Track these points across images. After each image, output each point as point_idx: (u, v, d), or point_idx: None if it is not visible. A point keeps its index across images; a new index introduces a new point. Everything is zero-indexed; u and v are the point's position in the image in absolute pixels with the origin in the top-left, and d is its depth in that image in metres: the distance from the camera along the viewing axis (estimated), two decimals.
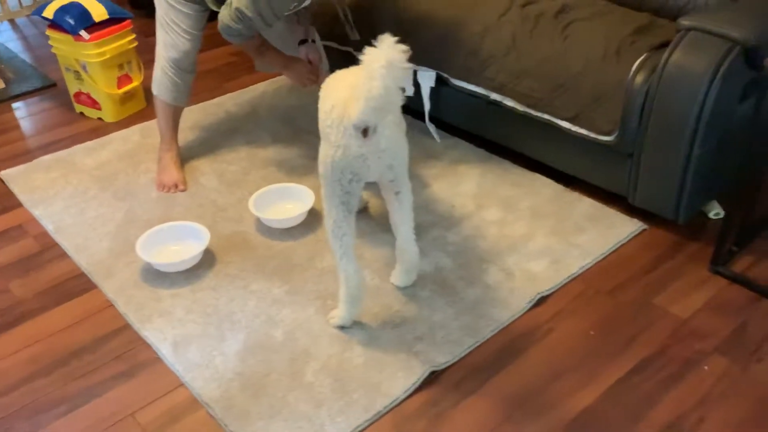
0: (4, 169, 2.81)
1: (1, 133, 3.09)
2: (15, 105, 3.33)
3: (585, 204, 2.49)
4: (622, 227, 2.37)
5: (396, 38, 1.60)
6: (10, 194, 2.66)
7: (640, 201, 2.34)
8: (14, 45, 3.91)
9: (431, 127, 2.89)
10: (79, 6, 2.96)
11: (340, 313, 1.99)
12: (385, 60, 1.55)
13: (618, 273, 2.20)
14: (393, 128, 1.80)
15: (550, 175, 2.62)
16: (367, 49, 1.59)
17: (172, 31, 2.57)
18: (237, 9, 2.30)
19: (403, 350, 1.93)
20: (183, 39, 2.57)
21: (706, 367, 1.88)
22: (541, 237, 2.34)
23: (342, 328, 2.01)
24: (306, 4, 2.53)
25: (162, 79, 2.64)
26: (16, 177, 2.75)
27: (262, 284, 2.18)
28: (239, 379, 1.87)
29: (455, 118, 2.85)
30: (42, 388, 1.88)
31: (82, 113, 3.22)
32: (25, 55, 3.79)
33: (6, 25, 4.21)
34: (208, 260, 2.28)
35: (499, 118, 2.64)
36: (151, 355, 1.97)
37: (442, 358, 1.91)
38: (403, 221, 1.99)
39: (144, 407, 1.82)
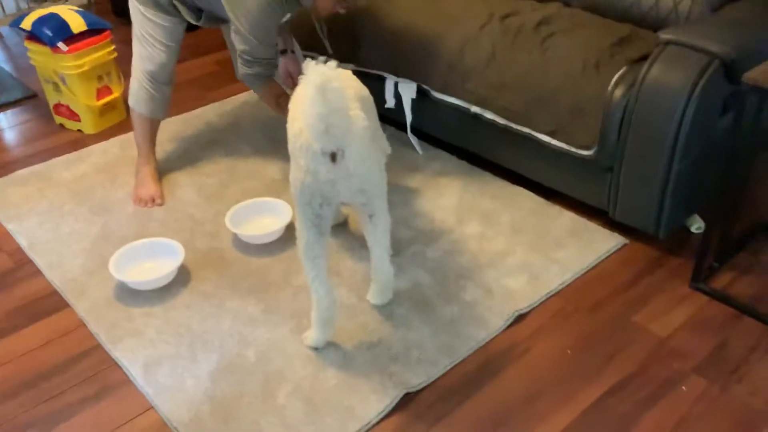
0: None
1: None
2: None
3: (566, 218, 2.46)
4: (603, 242, 2.35)
5: (324, 58, 1.56)
6: None
7: (620, 216, 2.32)
8: None
9: (413, 139, 2.86)
10: (58, 17, 2.93)
11: (312, 335, 1.95)
12: (312, 86, 1.52)
13: (598, 289, 2.17)
14: (363, 152, 1.75)
15: (532, 188, 2.60)
16: (301, 77, 1.56)
17: (148, 44, 2.54)
18: (240, 52, 2.32)
19: (377, 371, 1.90)
20: (159, 51, 2.55)
21: (684, 388, 1.85)
22: (520, 252, 2.31)
23: (316, 349, 1.97)
24: (287, 18, 2.52)
25: (138, 91, 2.61)
26: None
27: (237, 302, 2.15)
28: (210, 402, 1.83)
29: (437, 130, 2.82)
30: (9, 412, 1.84)
31: (61, 125, 3.18)
32: (7, 65, 3.76)
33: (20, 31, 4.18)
34: (183, 277, 2.25)
35: (480, 131, 2.61)
36: (122, 376, 1.94)
37: (416, 380, 1.88)
38: (377, 243, 1.95)
39: (113, 431, 1.79)
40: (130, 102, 2.65)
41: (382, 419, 1.79)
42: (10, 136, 3.13)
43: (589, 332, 2.03)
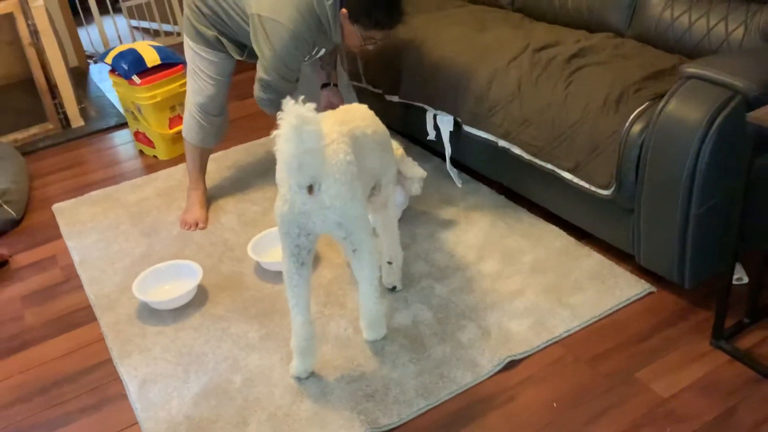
0: (58, 202, 3.06)
1: (68, 168, 3.38)
2: (89, 141, 3.63)
3: (593, 260, 2.31)
4: (626, 289, 2.18)
5: (302, 98, 1.58)
6: (55, 226, 2.90)
7: (645, 261, 2.15)
8: (106, 84, 4.27)
9: (452, 172, 2.82)
10: (135, 52, 3.19)
11: (293, 364, 1.98)
12: (288, 127, 1.55)
13: (606, 340, 2.03)
14: (339, 187, 1.76)
15: (565, 227, 2.47)
16: (280, 114, 1.59)
17: (198, 78, 2.70)
18: (259, 79, 2.42)
19: (350, 408, 1.88)
20: (208, 84, 2.70)
21: None
22: (532, 294, 2.20)
23: (299, 378, 1.99)
24: (321, 54, 2.58)
25: (189, 122, 2.78)
26: (65, 210, 2.99)
27: (241, 327, 2.22)
28: (187, 423, 1.90)
29: (475, 163, 2.76)
30: (19, 414, 2.02)
31: (141, 151, 3.45)
32: (112, 95, 4.13)
33: (106, 65, 4.60)
34: (200, 299, 2.35)
35: (511, 165, 2.53)
36: (121, 390, 2.06)
37: (386, 420, 1.84)
38: (362, 279, 1.95)
39: None
40: (183, 132, 2.82)
41: None
42: (97, 160, 3.44)
43: (584, 385, 1.89)
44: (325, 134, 1.76)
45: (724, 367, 1.90)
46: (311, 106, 1.58)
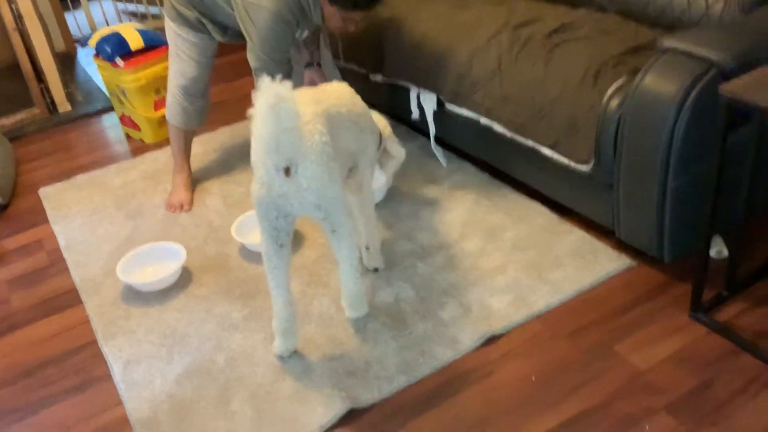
0: (45, 186, 3.06)
1: (55, 153, 3.38)
2: (76, 126, 3.62)
3: (574, 237, 2.32)
4: (606, 264, 2.20)
5: (278, 76, 1.58)
6: (41, 211, 2.90)
7: (625, 236, 2.16)
8: (93, 69, 4.25)
9: (437, 151, 2.82)
10: (118, 35, 3.18)
11: (275, 344, 1.99)
12: (265, 105, 1.54)
13: (586, 314, 2.04)
14: (316, 168, 1.76)
15: (549, 204, 2.48)
16: (255, 94, 1.59)
17: (180, 59, 2.69)
18: (254, 69, 2.40)
19: (331, 385, 1.90)
20: (190, 66, 2.69)
21: (647, 427, 1.69)
22: (513, 271, 2.21)
23: (281, 357, 2.01)
24: (304, 35, 2.58)
25: (172, 104, 2.78)
26: (51, 194, 2.99)
27: (224, 308, 2.23)
28: (170, 402, 1.92)
29: (460, 141, 2.76)
30: (4, 396, 2.03)
31: (127, 134, 3.44)
32: (99, 79, 4.11)
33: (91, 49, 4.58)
34: (184, 281, 2.36)
35: (494, 143, 2.53)
36: (105, 371, 2.07)
37: (366, 396, 1.86)
38: (342, 259, 1.95)
39: (81, 422, 1.92)
40: (166, 114, 2.82)
41: None
42: (84, 144, 3.43)
43: (562, 359, 1.91)
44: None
45: (702, 339, 1.91)
46: (287, 84, 1.57)
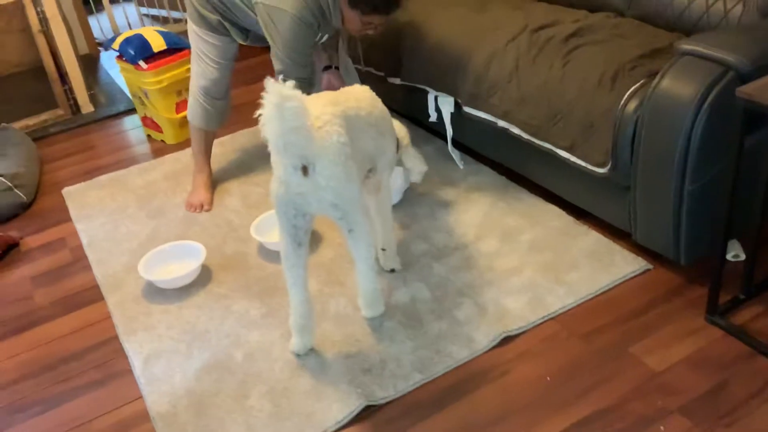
0: (68, 186, 3.12)
1: (78, 153, 3.43)
2: (98, 127, 3.68)
3: (591, 239, 2.33)
4: (623, 266, 2.20)
5: (281, 77, 1.61)
6: (64, 209, 2.96)
7: (641, 239, 2.16)
8: (115, 71, 4.32)
9: (454, 153, 2.84)
10: (141, 37, 3.23)
11: (292, 341, 2.02)
12: (269, 106, 1.58)
13: (602, 315, 2.05)
14: (333, 167, 1.79)
15: (564, 207, 2.49)
16: (263, 95, 1.62)
17: (202, 61, 2.73)
18: (277, 72, 2.44)
19: (347, 381, 1.92)
20: (211, 68, 2.73)
21: (662, 428, 1.70)
22: (529, 272, 2.22)
23: (298, 354, 2.03)
24: (326, 38, 2.61)
25: (194, 105, 2.82)
26: (74, 193, 3.05)
27: (243, 305, 2.26)
28: (189, 397, 1.95)
29: (477, 144, 2.78)
30: (27, 389, 2.08)
31: (149, 136, 3.50)
32: (121, 81, 4.17)
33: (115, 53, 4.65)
34: (204, 278, 2.40)
35: (511, 146, 2.55)
36: (126, 366, 2.11)
37: (382, 393, 1.88)
38: (358, 258, 1.98)
39: (102, 415, 1.96)
40: (188, 115, 2.86)
41: (339, 429, 1.81)
42: (106, 145, 3.49)
43: (577, 360, 1.92)
44: (317, 115, 1.79)
45: (718, 342, 1.91)
46: (291, 83, 1.60)
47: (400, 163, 2.37)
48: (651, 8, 2.51)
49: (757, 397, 1.74)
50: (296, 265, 1.92)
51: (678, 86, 1.89)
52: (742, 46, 1.86)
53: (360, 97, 2.05)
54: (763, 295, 2.03)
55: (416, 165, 2.37)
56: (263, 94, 1.60)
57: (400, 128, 2.31)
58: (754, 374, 1.80)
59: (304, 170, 1.76)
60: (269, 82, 1.59)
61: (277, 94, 1.58)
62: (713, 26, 2.32)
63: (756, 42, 1.89)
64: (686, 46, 1.95)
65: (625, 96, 2.06)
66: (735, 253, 2.18)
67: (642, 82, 2.07)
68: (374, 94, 2.13)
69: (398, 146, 2.26)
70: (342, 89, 2.11)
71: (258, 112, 1.61)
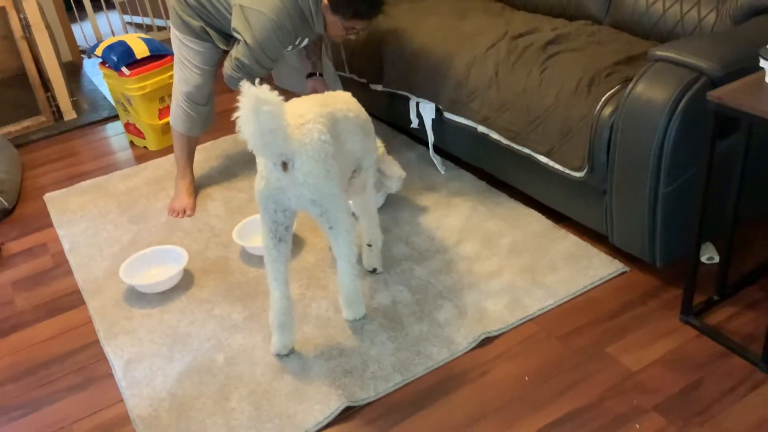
0: (50, 191, 3.11)
1: (60, 159, 3.43)
2: (81, 133, 3.68)
3: (569, 242, 2.37)
4: (600, 269, 2.24)
5: (257, 80, 1.65)
6: (46, 215, 2.95)
7: (618, 242, 2.20)
8: (98, 78, 4.32)
9: (435, 159, 2.87)
10: (124, 44, 3.24)
11: (273, 341, 2.03)
12: (245, 108, 1.61)
13: (579, 317, 2.08)
14: (313, 164, 1.82)
15: (544, 211, 2.52)
16: (238, 96, 1.65)
17: (185, 67, 2.75)
18: (236, 59, 2.46)
19: (328, 383, 1.94)
20: (194, 74, 2.75)
21: (637, 426, 1.73)
22: (509, 275, 2.25)
23: (279, 355, 2.05)
24: (305, 44, 2.64)
25: (177, 111, 2.83)
26: (56, 199, 3.04)
27: (225, 309, 2.27)
28: (170, 400, 1.96)
29: (458, 149, 2.81)
30: (8, 393, 2.07)
31: (132, 142, 3.50)
32: (104, 88, 4.18)
33: (97, 60, 4.65)
34: (186, 283, 2.41)
35: (491, 151, 2.58)
36: (107, 370, 2.11)
37: (363, 394, 1.90)
38: (339, 256, 2.00)
39: (83, 419, 1.96)
40: (170, 121, 2.87)
41: (320, 430, 1.82)
42: (88, 151, 3.49)
43: (555, 360, 1.95)
44: (301, 113, 1.84)
45: (692, 342, 1.95)
46: (266, 87, 1.63)
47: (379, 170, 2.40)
48: (627, 16, 2.56)
49: (729, 395, 1.78)
50: (277, 260, 1.94)
51: (651, 91, 1.93)
52: (714, 53, 1.91)
53: (347, 100, 2.09)
54: (737, 296, 2.07)
55: (395, 171, 2.40)
56: (239, 97, 1.62)
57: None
58: (727, 373, 1.84)
59: (284, 166, 1.79)
60: (245, 86, 1.62)
61: (254, 97, 1.61)
62: (688, 34, 2.38)
63: (727, 48, 1.94)
64: (659, 52, 1.99)
65: (601, 101, 2.10)
66: (709, 255, 2.22)
67: (617, 87, 2.11)
68: (356, 100, 2.16)
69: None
70: (327, 93, 2.14)
71: (235, 114, 1.63)
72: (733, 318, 2.01)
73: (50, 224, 2.89)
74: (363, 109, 2.16)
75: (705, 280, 2.12)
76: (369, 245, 2.28)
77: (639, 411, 1.77)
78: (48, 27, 3.77)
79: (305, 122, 1.82)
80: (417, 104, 2.80)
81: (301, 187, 1.83)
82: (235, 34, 2.43)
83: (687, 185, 1.99)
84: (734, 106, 1.66)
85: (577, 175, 2.18)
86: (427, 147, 2.91)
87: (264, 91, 1.63)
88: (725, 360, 1.88)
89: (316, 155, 1.82)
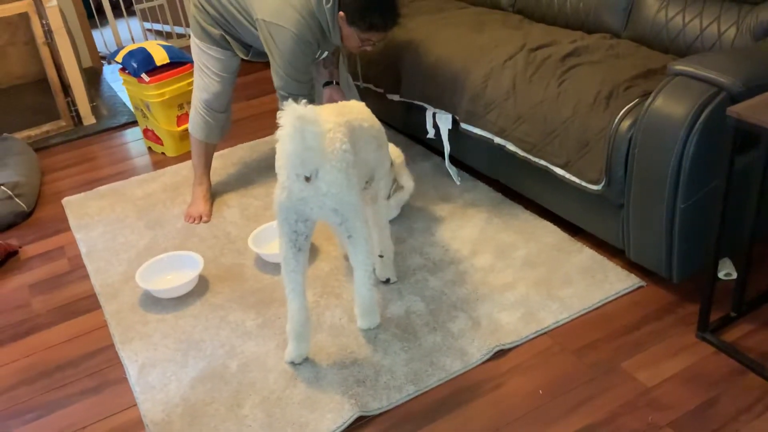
0: (68, 196, 3.14)
1: (79, 164, 3.46)
2: (100, 139, 3.72)
3: (584, 255, 2.36)
4: (616, 283, 2.22)
5: (303, 101, 1.67)
6: (64, 219, 2.98)
7: (635, 256, 2.19)
8: (118, 84, 4.36)
9: (451, 170, 2.87)
10: (144, 51, 3.27)
11: (288, 349, 2.03)
12: (291, 127, 1.63)
13: (594, 331, 2.07)
14: (336, 174, 1.83)
15: (560, 224, 2.52)
16: (280, 114, 1.67)
17: (204, 74, 2.77)
18: (277, 88, 2.50)
19: (341, 392, 1.94)
20: (213, 81, 2.77)
21: None
22: (523, 287, 2.25)
23: (292, 363, 2.05)
24: (325, 54, 2.66)
25: (195, 118, 2.85)
26: (74, 203, 3.07)
27: (238, 315, 2.28)
28: (183, 405, 1.96)
29: (474, 160, 2.81)
30: (22, 396, 2.09)
31: (150, 148, 3.53)
32: (123, 94, 4.22)
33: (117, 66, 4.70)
34: (201, 289, 2.42)
35: (508, 163, 2.58)
36: (121, 374, 2.12)
37: (375, 404, 1.89)
38: (357, 264, 2.00)
39: (96, 423, 1.97)
40: (189, 127, 2.89)
41: None
42: (107, 156, 3.52)
43: (570, 374, 1.93)
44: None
45: (709, 358, 1.93)
46: (311, 107, 1.65)
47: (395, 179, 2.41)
48: (646, 30, 2.55)
49: (746, 413, 1.76)
50: (296, 271, 1.95)
51: (671, 106, 1.92)
52: (734, 68, 1.90)
53: (361, 110, 2.10)
54: (754, 312, 2.05)
55: (407, 183, 2.42)
56: (280, 113, 1.65)
57: (393, 149, 2.37)
58: (743, 391, 1.82)
59: (307, 177, 1.80)
60: (289, 104, 1.65)
61: (298, 117, 1.64)
62: (707, 48, 2.37)
63: (748, 64, 1.93)
64: (679, 66, 1.99)
65: (619, 115, 2.09)
66: (727, 271, 2.20)
67: (636, 101, 2.11)
68: (369, 110, 2.18)
69: (391, 164, 2.32)
70: (342, 102, 2.16)
71: (277, 132, 1.66)
72: (751, 335, 1.99)
73: (68, 228, 2.91)
74: (376, 119, 2.17)
75: (722, 297, 2.10)
76: (380, 256, 2.28)
77: (653, 428, 1.75)
78: (69, 33, 3.81)
79: (326, 131, 1.83)
80: (434, 115, 2.81)
81: (324, 197, 1.84)
82: (267, 53, 2.47)
83: (705, 200, 1.98)
84: (754, 121, 1.65)
85: (594, 188, 2.17)
86: (443, 157, 2.91)
87: (307, 110, 1.66)
88: (742, 377, 1.86)
89: (339, 165, 1.84)
